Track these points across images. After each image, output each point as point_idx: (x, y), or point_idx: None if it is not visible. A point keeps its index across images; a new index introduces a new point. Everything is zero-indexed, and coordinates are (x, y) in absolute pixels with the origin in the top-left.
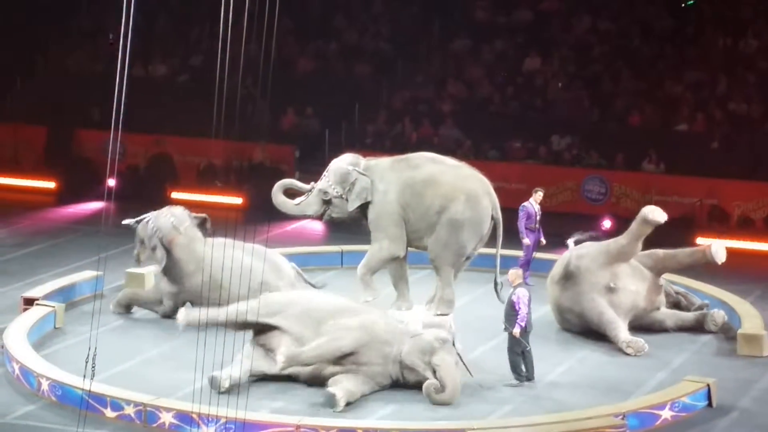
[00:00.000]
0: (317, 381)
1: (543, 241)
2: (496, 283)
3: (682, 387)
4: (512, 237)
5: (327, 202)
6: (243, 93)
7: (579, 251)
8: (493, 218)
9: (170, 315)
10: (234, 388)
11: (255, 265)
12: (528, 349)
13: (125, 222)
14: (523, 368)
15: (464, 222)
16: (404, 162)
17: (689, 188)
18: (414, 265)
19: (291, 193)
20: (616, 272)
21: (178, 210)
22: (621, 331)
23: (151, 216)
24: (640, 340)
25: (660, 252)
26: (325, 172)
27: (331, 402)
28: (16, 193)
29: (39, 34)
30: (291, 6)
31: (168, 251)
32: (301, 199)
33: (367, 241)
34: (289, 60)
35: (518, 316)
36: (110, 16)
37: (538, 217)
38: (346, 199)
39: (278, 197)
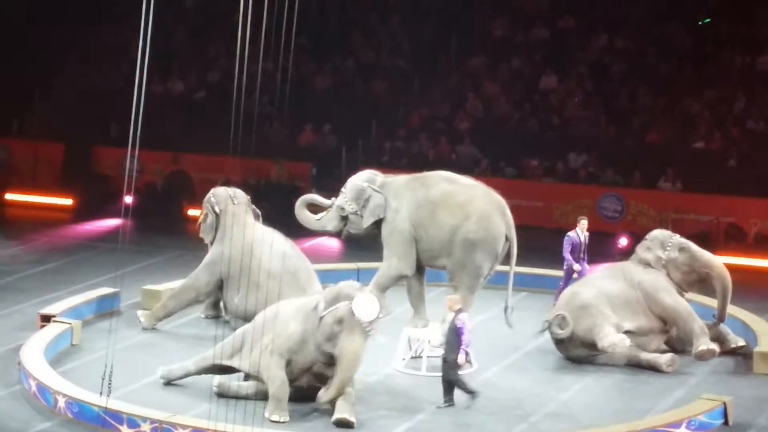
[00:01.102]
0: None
1: (587, 267)
2: (506, 308)
3: (698, 405)
4: (528, 256)
5: (344, 218)
6: (260, 110)
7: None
8: (507, 238)
9: (205, 291)
10: (227, 397)
11: (295, 257)
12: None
13: None
14: (468, 386)
15: (477, 242)
16: (419, 180)
17: (706, 206)
18: (432, 282)
19: (313, 208)
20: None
21: (240, 191)
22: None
23: (214, 188)
24: (674, 356)
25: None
26: (342, 189)
27: (344, 425)
28: (33, 210)
29: (57, 51)
30: (308, 23)
31: (218, 218)
32: (322, 215)
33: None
34: (307, 77)
35: (462, 343)
36: (129, 33)
37: (584, 247)
38: (361, 216)
39: (301, 213)
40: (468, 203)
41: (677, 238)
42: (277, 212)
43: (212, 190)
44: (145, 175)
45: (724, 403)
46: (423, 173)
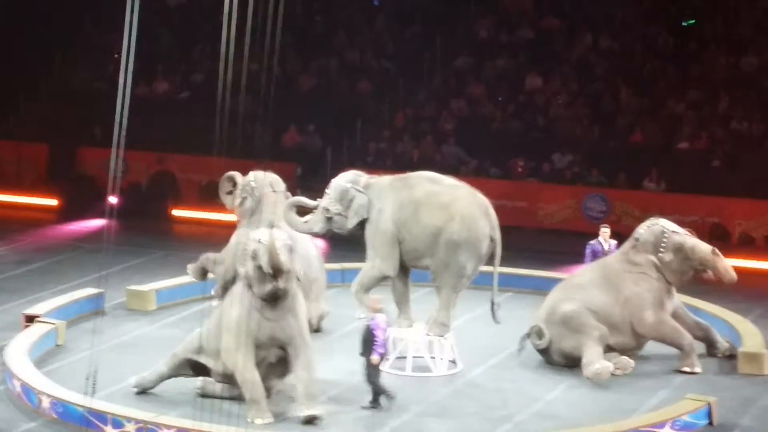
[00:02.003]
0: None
1: None
2: (492, 304)
3: (683, 405)
4: (512, 256)
5: (330, 219)
6: (245, 110)
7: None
8: (491, 238)
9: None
10: (211, 398)
11: (316, 266)
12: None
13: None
14: (386, 390)
15: (461, 243)
16: (402, 181)
17: (690, 206)
18: (416, 282)
19: (300, 210)
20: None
21: (279, 178)
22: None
23: (253, 172)
24: (606, 367)
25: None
26: (327, 190)
27: (314, 420)
28: (17, 211)
29: (42, 52)
30: (293, 23)
31: (257, 203)
32: (309, 217)
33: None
34: (292, 77)
35: (376, 343)
36: (113, 34)
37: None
38: (346, 216)
39: (288, 215)
40: (452, 204)
41: (671, 237)
42: None
43: (251, 174)
44: (129, 175)
45: (709, 404)
46: (407, 174)
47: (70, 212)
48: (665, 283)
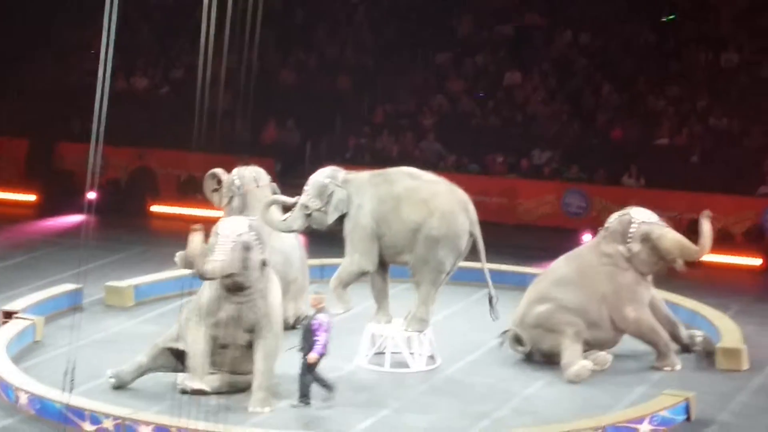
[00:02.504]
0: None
1: None
2: (490, 298)
3: (661, 401)
4: (492, 252)
5: (309, 216)
6: (224, 105)
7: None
8: (471, 234)
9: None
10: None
11: (297, 266)
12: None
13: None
14: (324, 387)
15: (440, 238)
16: (382, 176)
17: (669, 202)
18: (396, 278)
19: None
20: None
21: (262, 171)
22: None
23: (237, 169)
24: (584, 367)
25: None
26: (305, 186)
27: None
28: None
29: (19, 47)
30: (272, 18)
31: (243, 200)
32: (287, 215)
33: None
34: (271, 72)
35: (317, 343)
36: (92, 29)
37: None
38: (326, 212)
39: (267, 215)
40: (431, 199)
41: (638, 228)
42: None
43: (236, 171)
44: (108, 171)
45: (687, 399)
46: (386, 169)
47: (48, 208)
48: (637, 274)
